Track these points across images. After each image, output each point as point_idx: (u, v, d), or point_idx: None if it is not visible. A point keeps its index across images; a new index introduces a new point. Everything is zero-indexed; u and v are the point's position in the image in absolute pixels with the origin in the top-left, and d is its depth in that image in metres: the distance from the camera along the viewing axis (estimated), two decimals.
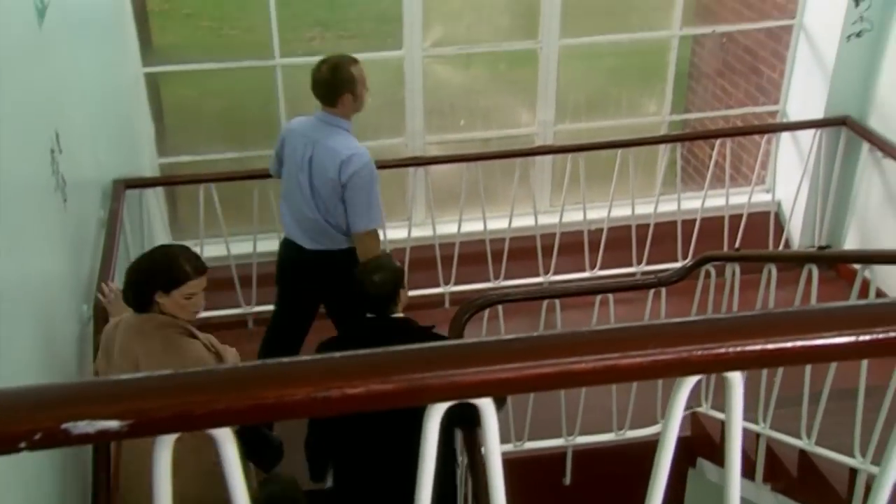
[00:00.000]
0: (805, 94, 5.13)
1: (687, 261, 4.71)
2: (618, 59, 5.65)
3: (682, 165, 6.01)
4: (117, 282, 3.43)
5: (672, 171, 5.26)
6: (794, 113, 5.25)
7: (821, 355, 1.02)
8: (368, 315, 3.14)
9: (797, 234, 5.33)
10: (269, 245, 4.60)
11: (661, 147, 5.36)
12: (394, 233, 5.16)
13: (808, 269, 3.24)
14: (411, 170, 5.05)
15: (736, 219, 5.19)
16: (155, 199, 4.77)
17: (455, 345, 0.92)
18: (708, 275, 3.94)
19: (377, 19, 5.58)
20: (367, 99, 3.75)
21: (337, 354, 0.90)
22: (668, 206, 5.20)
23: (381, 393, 0.89)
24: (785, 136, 5.33)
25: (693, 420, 4.04)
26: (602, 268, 5.15)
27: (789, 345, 0.99)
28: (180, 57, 4.92)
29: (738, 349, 0.98)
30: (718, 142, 5.17)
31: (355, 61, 3.68)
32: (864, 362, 2.92)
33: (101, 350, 2.97)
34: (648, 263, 5.18)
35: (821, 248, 2.59)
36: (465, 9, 5.32)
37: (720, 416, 3.70)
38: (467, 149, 5.20)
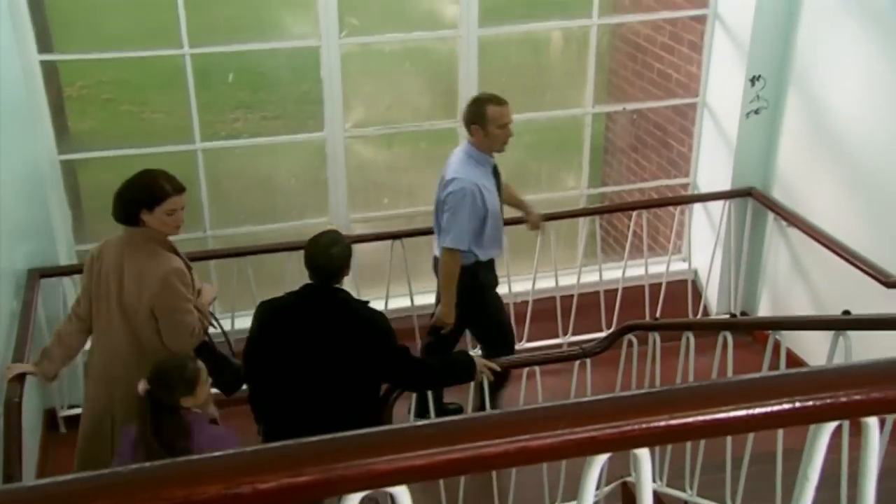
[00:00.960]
0: (712, 167, 5.37)
1: (610, 330, 4.80)
2: (536, 135, 5.83)
3: (602, 237, 6.17)
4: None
5: (592, 243, 5.40)
6: (704, 185, 5.48)
7: (721, 429, 1.06)
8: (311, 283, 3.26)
9: (714, 300, 5.50)
10: None
11: (581, 220, 5.50)
12: None
13: (724, 336, 3.34)
14: None
15: (656, 287, 5.34)
16: (73, 286, 4.65)
17: (366, 434, 0.92)
18: (630, 344, 4.02)
19: (299, 100, 5.67)
20: (502, 136, 4.04)
21: (248, 449, 0.90)
22: (590, 277, 5.32)
23: (294, 486, 0.89)
24: (697, 207, 5.55)
25: (623, 490, 4.06)
26: (529, 340, 5.20)
27: (692, 420, 1.03)
28: (99, 142, 4.89)
29: (644, 426, 1.01)
30: (635, 213, 5.35)
31: (490, 101, 4.02)
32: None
33: (82, 288, 3.42)
34: (574, 334, 5.26)
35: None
36: (384, 90, 5.44)
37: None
38: (392, 226, 5.25)
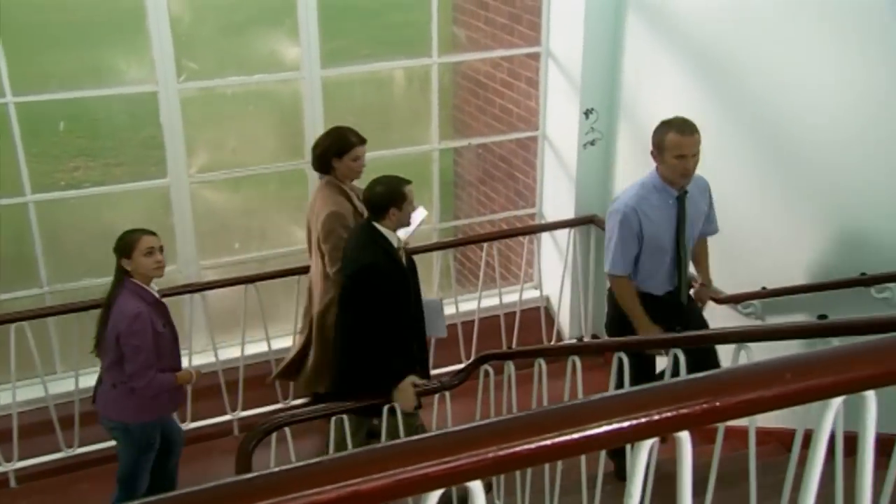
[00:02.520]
0: (556, 197, 5.60)
1: (468, 362, 4.88)
2: (385, 171, 5.88)
3: (456, 269, 6.28)
4: None
5: (447, 276, 5.49)
6: (550, 214, 5.70)
7: (549, 455, 1.10)
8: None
9: (566, 326, 5.70)
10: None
11: (435, 254, 5.58)
12: None
13: (572, 360, 3.46)
14: (187, 297, 4.91)
15: (511, 316, 5.48)
16: None
17: (189, 492, 0.91)
18: (487, 374, 4.10)
19: (141, 146, 5.50)
20: (680, 168, 3.64)
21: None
22: (447, 310, 5.39)
23: None
24: (545, 236, 5.75)
25: None
26: None
27: (519, 449, 1.07)
28: None
29: (474, 459, 1.04)
30: (486, 245, 5.48)
31: (672, 127, 3.62)
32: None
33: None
34: (435, 367, 5.30)
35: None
36: (229, 134, 5.37)
37: None
38: (245, 270, 5.15)
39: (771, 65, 4.04)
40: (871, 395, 1.23)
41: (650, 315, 3.83)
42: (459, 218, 6.56)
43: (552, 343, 5.53)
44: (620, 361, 3.17)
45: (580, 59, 5.05)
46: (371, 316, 3.66)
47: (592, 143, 5.24)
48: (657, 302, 3.90)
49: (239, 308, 4.89)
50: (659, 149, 3.66)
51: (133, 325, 3.54)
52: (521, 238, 5.86)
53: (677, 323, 3.68)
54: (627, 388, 2.93)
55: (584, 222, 5.41)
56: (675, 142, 3.60)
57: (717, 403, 1.15)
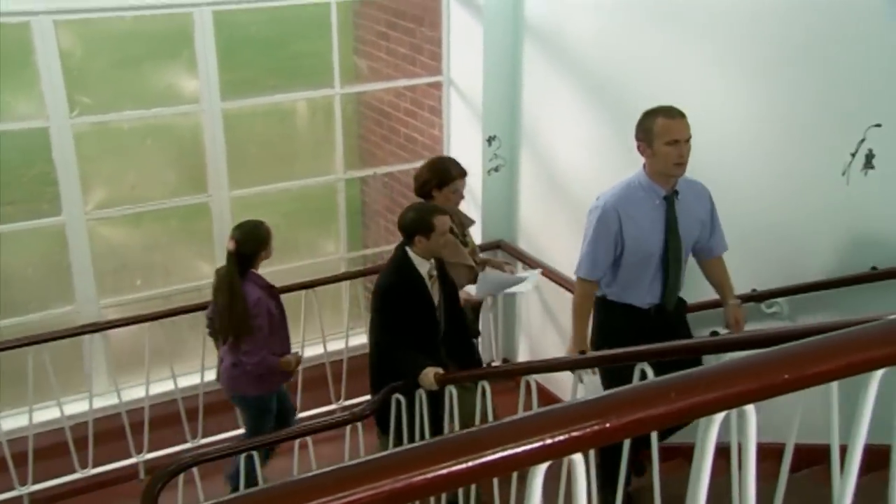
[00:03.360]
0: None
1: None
2: (292, 204, 5.85)
3: (367, 298, 6.25)
4: None
5: (356, 305, 5.46)
6: None
7: (446, 485, 1.11)
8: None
9: (479, 350, 5.73)
10: None
11: (344, 284, 5.55)
12: (74, 407, 4.79)
13: (482, 385, 3.48)
14: (86, 338, 4.75)
15: None
16: None
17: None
18: (399, 403, 4.09)
19: (34, 183, 5.30)
20: (673, 156, 3.25)
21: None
22: (358, 340, 5.37)
23: None
24: None
25: None
26: (302, 409, 5.14)
27: (413, 480, 1.08)
28: None
29: (367, 493, 1.05)
30: None
31: (660, 112, 3.29)
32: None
33: None
34: (348, 398, 5.27)
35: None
36: (128, 169, 5.24)
37: None
38: (148, 307, 5.02)
39: (660, 90, 4.20)
40: (750, 409, 1.28)
41: (632, 332, 3.35)
42: (368, 247, 6.55)
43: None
44: (528, 385, 3.21)
45: (481, 87, 5.15)
46: (389, 333, 3.82)
47: (496, 169, 5.33)
48: (641, 317, 3.50)
49: (143, 347, 4.76)
50: (647, 139, 3.28)
51: (253, 309, 4.00)
52: None
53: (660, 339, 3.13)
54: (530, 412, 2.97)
55: (492, 247, 5.47)
56: (665, 126, 3.24)
57: (608, 424, 1.18)
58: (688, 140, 3.24)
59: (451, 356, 3.99)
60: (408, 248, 3.78)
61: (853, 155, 3.29)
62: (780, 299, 3.78)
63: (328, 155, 5.50)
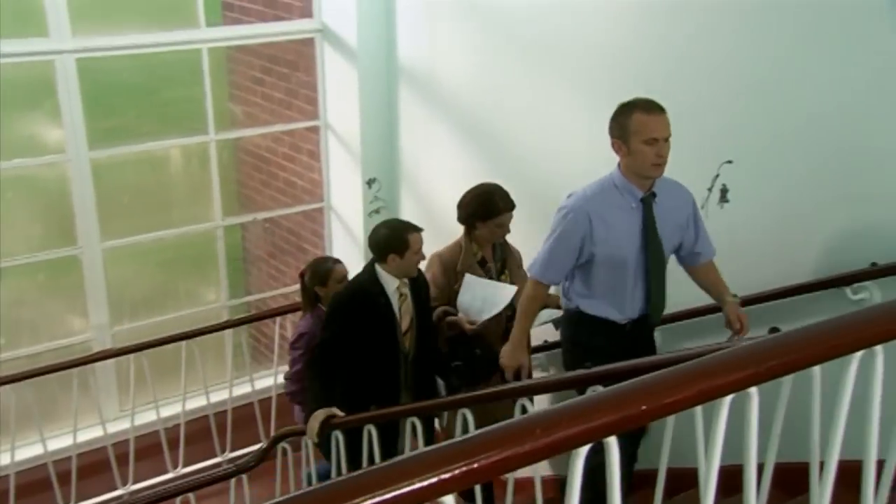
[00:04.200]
0: (347, 266, 5.63)
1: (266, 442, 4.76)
2: (169, 252, 5.70)
3: (252, 345, 6.15)
4: None
5: (239, 354, 5.35)
6: None
7: None
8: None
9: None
10: None
11: (226, 332, 5.43)
12: None
13: (367, 428, 3.44)
14: None
15: None
16: None
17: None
18: (285, 452, 4.02)
19: None
20: (650, 156, 2.94)
21: None
22: (243, 389, 5.25)
23: None
24: None
25: None
26: (186, 464, 4.97)
27: None
28: None
29: None
30: (280, 319, 5.40)
31: (638, 107, 2.97)
32: None
33: None
34: (234, 449, 5.13)
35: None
36: None
37: None
38: (14, 368, 4.75)
39: (532, 126, 4.34)
40: (612, 441, 1.34)
41: (607, 349, 2.96)
42: (251, 293, 6.44)
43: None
44: (414, 427, 3.21)
45: (358, 130, 5.19)
46: (325, 347, 3.56)
47: (377, 211, 5.36)
48: (615, 332, 3.18)
49: (7, 410, 4.50)
50: (622, 136, 2.97)
51: (295, 342, 3.95)
52: None
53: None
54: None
55: None
56: (642, 122, 2.92)
57: (476, 465, 1.21)
58: (667, 139, 2.94)
59: (419, 384, 3.70)
60: (377, 266, 3.57)
61: (710, 190, 3.48)
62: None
63: (205, 202, 5.40)
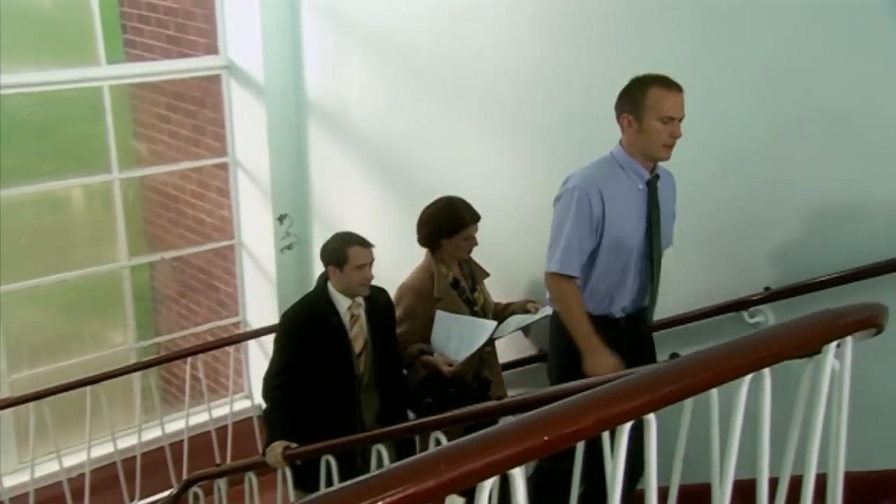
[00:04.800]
0: (259, 303, 5.57)
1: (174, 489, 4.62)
2: (72, 294, 5.52)
3: (163, 388, 5.98)
4: None
5: (148, 397, 5.19)
6: (254, 321, 5.64)
7: None
8: None
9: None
10: None
11: (135, 375, 5.27)
12: None
13: (282, 470, 3.35)
14: None
15: (223, 430, 5.27)
16: None
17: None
18: (197, 497, 3.91)
19: None
20: (664, 135, 2.75)
21: None
22: (153, 433, 5.09)
23: None
24: (251, 344, 5.66)
25: None
26: None
27: None
28: None
29: None
30: (191, 359, 5.27)
31: (655, 82, 2.75)
32: None
33: None
34: (143, 497, 4.95)
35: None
36: None
37: None
38: None
39: (438, 157, 4.40)
40: (517, 473, 1.36)
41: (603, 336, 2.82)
42: (161, 334, 6.28)
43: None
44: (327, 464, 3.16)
45: (268, 166, 5.15)
46: (275, 368, 3.36)
47: (289, 247, 5.32)
48: (613, 330, 2.95)
49: None
50: (635, 111, 2.75)
51: None
52: (227, 348, 5.72)
53: (639, 362, 2.62)
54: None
55: None
56: (660, 98, 2.70)
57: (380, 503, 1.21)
58: (681, 119, 2.74)
59: (379, 412, 3.46)
60: (328, 282, 3.38)
61: None
62: None
63: (110, 242, 5.25)
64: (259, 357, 5.66)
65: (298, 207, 5.29)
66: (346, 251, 3.28)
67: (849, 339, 1.63)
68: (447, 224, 3.53)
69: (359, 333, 3.38)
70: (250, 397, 5.69)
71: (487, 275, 3.77)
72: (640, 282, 2.94)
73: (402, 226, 4.52)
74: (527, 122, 3.93)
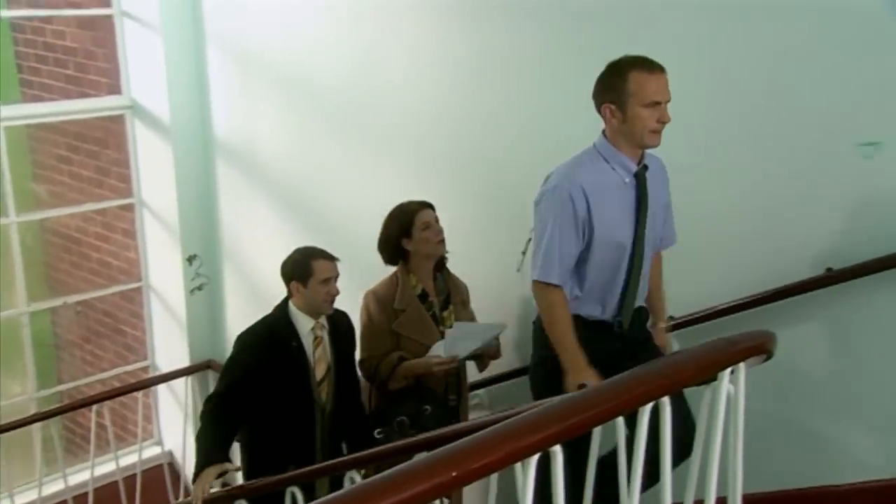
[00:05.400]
0: (168, 347, 5.43)
1: None
2: None
3: (67, 438, 5.74)
4: None
5: (49, 448, 4.98)
6: (164, 365, 5.49)
7: None
8: None
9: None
10: None
11: (34, 426, 5.04)
12: None
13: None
14: None
15: (132, 479, 5.10)
16: None
17: None
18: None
19: None
20: (651, 121, 2.53)
21: None
22: (55, 486, 4.89)
23: None
24: (161, 389, 5.50)
25: None
26: None
27: None
28: None
29: None
30: (97, 406, 5.09)
31: (636, 64, 2.53)
32: None
33: None
34: None
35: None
36: None
37: None
38: None
39: (346, 197, 4.41)
40: None
41: (601, 355, 2.58)
42: (64, 381, 6.04)
43: (179, 501, 5.24)
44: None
45: (175, 207, 5.05)
46: (220, 389, 3.13)
47: (200, 288, 5.22)
48: (602, 332, 2.70)
49: None
50: (616, 99, 2.53)
51: None
52: (135, 394, 5.55)
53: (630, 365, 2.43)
54: None
55: (201, 368, 5.29)
56: (642, 82, 2.49)
57: None
58: (668, 101, 2.53)
59: (337, 445, 3.23)
60: (290, 302, 3.19)
61: (524, 253, 3.64)
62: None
63: (8, 287, 5.05)
64: (169, 402, 5.51)
65: (208, 247, 5.20)
66: (310, 264, 3.11)
67: (741, 365, 1.70)
68: (399, 220, 3.28)
69: (322, 357, 3.17)
70: (161, 444, 5.52)
71: (467, 291, 3.47)
72: (622, 284, 2.71)
73: None
74: (435, 158, 3.99)
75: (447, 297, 3.38)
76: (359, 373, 3.37)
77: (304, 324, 3.15)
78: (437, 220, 3.30)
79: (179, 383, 5.35)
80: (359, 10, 4.16)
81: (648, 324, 2.82)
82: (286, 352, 3.11)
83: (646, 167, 2.64)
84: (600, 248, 2.60)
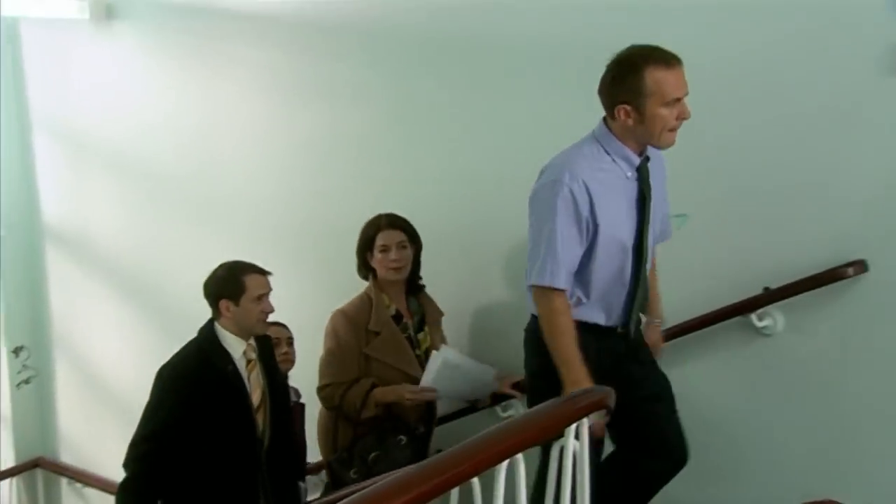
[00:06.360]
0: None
1: None
2: None
3: None
4: None
5: None
6: None
7: None
8: None
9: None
10: None
11: None
12: None
13: None
14: None
15: None
16: None
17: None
18: None
19: None
20: (671, 119, 2.26)
21: None
22: None
23: None
24: None
25: None
26: None
27: None
28: None
29: None
30: None
31: (652, 57, 2.24)
32: None
33: None
34: None
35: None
36: None
37: None
38: None
39: (186, 281, 4.30)
40: None
41: (606, 365, 2.37)
42: None
43: None
44: None
45: (0, 297, 4.81)
46: (151, 428, 2.74)
47: (27, 381, 4.97)
48: (608, 339, 2.47)
49: None
50: (633, 99, 2.28)
51: None
52: None
53: (636, 378, 2.39)
54: None
55: (29, 467, 4.99)
56: (660, 81, 2.25)
57: None
58: (687, 94, 2.30)
59: (276, 482, 2.90)
60: (216, 323, 2.87)
61: None
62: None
63: None
64: None
65: (36, 338, 4.98)
66: (241, 280, 2.84)
67: (584, 420, 1.85)
68: (363, 236, 3.11)
69: (256, 383, 2.87)
70: None
71: (442, 314, 3.23)
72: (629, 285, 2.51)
73: (155, 347, 4.37)
74: (277, 233, 4.01)
75: (422, 317, 3.17)
76: (292, 399, 3.18)
77: (236, 347, 2.86)
78: (401, 245, 3.06)
79: (4, 485, 4.99)
80: (187, 91, 4.16)
81: (642, 324, 2.63)
82: (222, 378, 2.79)
83: (647, 158, 2.43)
84: (604, 248, 2.37)
